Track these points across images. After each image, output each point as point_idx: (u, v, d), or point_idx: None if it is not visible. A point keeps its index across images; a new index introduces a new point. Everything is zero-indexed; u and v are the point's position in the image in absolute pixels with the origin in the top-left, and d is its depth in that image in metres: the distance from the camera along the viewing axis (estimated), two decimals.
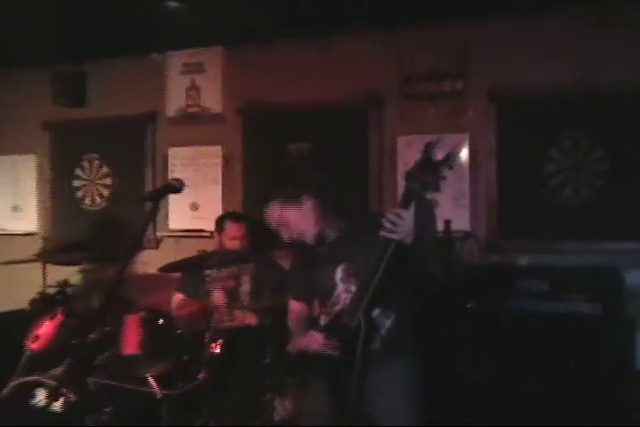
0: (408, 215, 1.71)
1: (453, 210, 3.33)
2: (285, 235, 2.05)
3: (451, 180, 3.29)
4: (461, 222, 3.31)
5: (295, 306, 2.21)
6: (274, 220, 2.05)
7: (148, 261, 3.76)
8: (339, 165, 3.54)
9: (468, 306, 2.82)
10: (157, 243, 3.98)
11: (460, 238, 3.28)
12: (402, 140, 3.43)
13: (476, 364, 2.72)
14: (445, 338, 2.76)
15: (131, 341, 2.52)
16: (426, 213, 1.78)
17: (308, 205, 2.02)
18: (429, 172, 1.68)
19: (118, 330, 2.54)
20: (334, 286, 2.02)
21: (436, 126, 3.34)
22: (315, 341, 1.97)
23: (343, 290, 2.00)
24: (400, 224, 1.71)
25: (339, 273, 2.02)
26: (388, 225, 1.72)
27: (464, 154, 3.33)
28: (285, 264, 2.69)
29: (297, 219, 2.01)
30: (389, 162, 3.47)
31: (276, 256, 3.04)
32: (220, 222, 3.12)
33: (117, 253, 3.52)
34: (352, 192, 3.48)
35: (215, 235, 3.14)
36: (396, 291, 1.92)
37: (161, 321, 2.60)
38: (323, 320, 2.06)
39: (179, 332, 2.61)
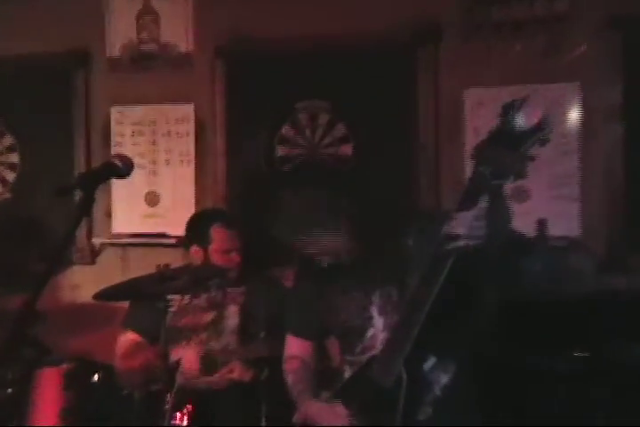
0: (478, 218, 1.76)
1: (551, 204, 3.33)
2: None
3: (548, 156, 3.14)
4: (564, 224, 3.29)
5: (297, 347, 2.32)
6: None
7: (79, 284, 3.89)
8: (370, 135, 3.54)
9: (577, 354, 2.82)
10: (93, 255, 3.96)
11: (561, 249, 3.24)
12: (470, 96, 3.41)
13: None
14: (538, 402, 2.76)
15: (46, 409, 2.54)
16: (503, 210, 1.83)
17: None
18: (510, 149, 1.70)
19: (26, 392, 2.57)
20: (368, 321, 2.09)
21: (522, 72, 3.32)
22: (327, 411, 2.04)
23: (382, 328, 2.08)
24: (462, 232, 1.77)
25: (375, 302, 2.09)
26: (450, 231, 1.78)
27: (570, 117, 3.31)
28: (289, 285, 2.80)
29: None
30: (450, 131, 3.45)
31: (278, 276, 3.13)
32: (199, 227, 3.14)
33: (27, 272, 3.62)
34: (391, 180, 3.49)
35: (190, 245, 3.15)
36: (460, 329, 1.99)
37: (96, 378, 2.63)
38: (347, 374, 2.14)
39: (124, 394, 2.63)
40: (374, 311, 2.11)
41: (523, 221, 3.15)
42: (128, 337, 3.07)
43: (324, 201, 2.18)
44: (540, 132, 1.71)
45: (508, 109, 1.73)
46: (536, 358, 2.76)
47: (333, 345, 2.32)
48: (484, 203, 1.78)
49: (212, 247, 3.06)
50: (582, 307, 2.86)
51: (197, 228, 3.15)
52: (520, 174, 1.71)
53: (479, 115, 3.36)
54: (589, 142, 3.29)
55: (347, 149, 3.62)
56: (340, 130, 3.63)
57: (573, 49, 3.29)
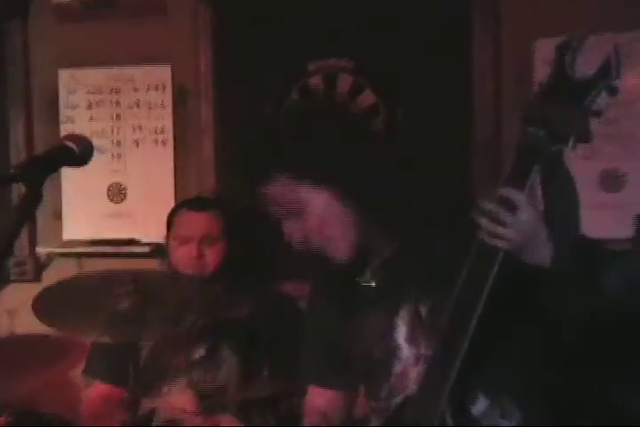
0: (525, 203, 1.72)
1: None
2: (299, 238, 2.07)
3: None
4: None
5: (320, 399, 2.26)
6: (278, 201, 2.08)
7: (17, 308, 3.81)
8: (407, 105, 3.57)
9: None
10: (38, 269, 3.99)
11: None
12: (544, 47, 3.36)
13: None
14: None
15: None
16: (566, 194, 1.87)
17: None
18: (568, 102, 1.70)
19: None
20: (393, 352, 2.03)
21: (612, 14, 3.32)
22: None
23: (413, 361, 2.01)
24: (512, 222, 1.72)
25: (402, 326, 2.03)
26: (487, 225, 1.73)
27: None
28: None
29: (322, 210, 2.04)
30: (515, 97, 3.42)
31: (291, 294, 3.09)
32: (170, 216, 3.12)
33: None
34: (435, 163, 3.38)
35: (165, 244, 3.10)
36: (522, 359, 1.95)
37: None
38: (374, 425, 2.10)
39: None
40: (401, 339, 2.04)
41: (615, 216, 3.35)
42: (97, 390, 3.05)
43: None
44: (605, 78, 1.68)
45: (564, 51, 1.71)
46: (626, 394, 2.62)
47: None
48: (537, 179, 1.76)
49: (171, 236, 3.04)
50: None
51: (168, 218, 3.11)
52: (583, 136, 1.68)
53: None
54: None
55: (376, 123, 3.46)
56: (368, 98, 3.63)
57: None
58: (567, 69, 1.70)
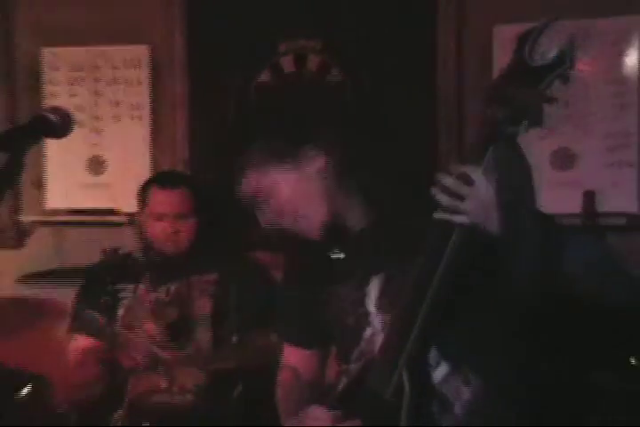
0: (482, 180, 1.73)
1: (603, 172, 3.39)
2: (269, 217, 2.08)
3: (600, 110, 3.39)
4: (620, 197, 3.37)
5: (293, 357, 2.27)
6: (250, 189, 2.09)
7: (2, 272, 3.84)
8: (376, 85, 3.60)
9: (633, 362, 2.87)
10: (21, 236, 3.99)
11: (617, 229, 3.31)
12: (502, 34, 3.40)
13: None
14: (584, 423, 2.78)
15: None
16: (519, 172, 1.84)
17: (315, 165, 2.07)
18: (526, 86, 1.68)
19: None
20: (363, 319, 2.04)
21: (571, 2, 3.32)
22: (305, 421, 2.00)
23: (382, 327, 2.01)
24: (469, 195, 1.73)
25: (372, 294, 2.03)
26: (444, 199, 1.74)
27: (629, 60, 3.35)
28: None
29: (294, 189, 2.06)
30: (476, 78, 3.47)
31: (263, 262, 3.12)
32: (142, 191, 3.12)
33: None
34: (401, 143, 3.53)
35: (138, 216, 3.14)
36: (482, 328, 1.93)
37: (25, 391, 2.65)
38: (342, 386, 2.07)
39: (59, 412, 2.71)
40: (371, 305, 2.04)
41: (566, 193, 3.37)
42: (79, 343, 3.04)
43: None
44: (559, 67, 1.67)
45: (525, 40, 1.70)
46: (585, 363, 2.80)
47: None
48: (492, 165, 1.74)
49: (144, 212, 3.05)
50: None
51: (139, 193, 3.10)
52: (537, 120, 1.67)
53: None
54: None
55: (344, 101, 3.67)
56: (335, 76, 3.67)
57: None
58: (526, 57, 1.70)
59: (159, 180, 3.15)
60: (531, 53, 1.70)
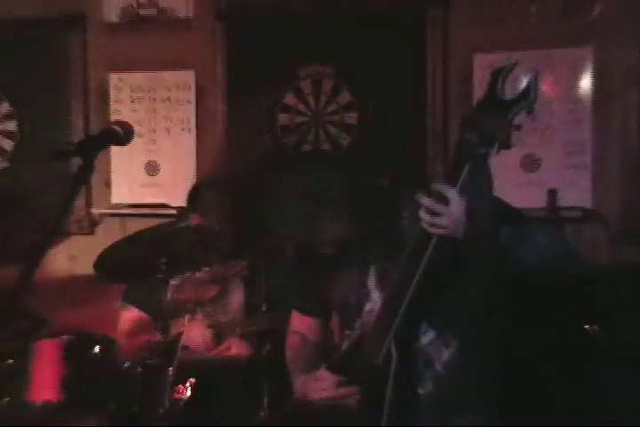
0: (457, 197, 1.83)
1: (563, 173, 3.55)
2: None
3: (560, 123, 3.57)
4: (577, 194, 3.52)
5: (299, 322, 2.45)
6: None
7: (77, 254, 4.22)
8: (375, 102, 3.82)
9: (588, 328, 2.91)
10: (92, 225, 4.24)
11: (574, 220, 3.47)
12: (481, 61, 3.61)
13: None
14: (543, 382, 2.76)
15: (45, 380, 2.66)
16: (487, 186, 1.91)
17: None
18: (497, 116, 1.77)
19: (24, 364, 2.68)
20: (365, 296, 2.22)
21: (537, 35, 3.53)
22: (321, 385, 2.15)
23: (379, 303, 2.18)
24: (445, 213, 1.85)
25: (372, 277, 2.21)
26: (425, 216, 1.87)
27: (583, 82, 3.55)
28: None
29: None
30: (459, 98, 3.67)
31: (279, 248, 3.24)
32: (196, 195, 3.38)
33: (23, 242, 3.93)
34: (397, 149, 3.75)
35: (189, 214, 3.38)
36: (458, 302, 2.06)
37: (97, 350, 2.77)
38: (344, 348, 2.28)
39: (125, 367, 2.77)
40: (371, 286, 2.20)
41: (533, 191, 3.57)
42: (131, 314, 3.26)
43: (318, 187, 2.23)
44: (525, 100, 1.76)
45: (497, 76, 1.80)
46: (546, 331, 2.71)
47: (334, 321, 2.48)
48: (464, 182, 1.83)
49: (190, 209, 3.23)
50: (594, 277, 2.73)
51: (195, 197, 3.33)
52: (505, 144, 1.77)
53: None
54: (603, 109, 3.48)
55: (351, 118, 3.88)
56: (345, 97, 3.87)
57: (591, 10, 3.46)
58: (498, 90, 1.78)
59: (216, 188, 3.35)
60: (502, 88, 1.78)
